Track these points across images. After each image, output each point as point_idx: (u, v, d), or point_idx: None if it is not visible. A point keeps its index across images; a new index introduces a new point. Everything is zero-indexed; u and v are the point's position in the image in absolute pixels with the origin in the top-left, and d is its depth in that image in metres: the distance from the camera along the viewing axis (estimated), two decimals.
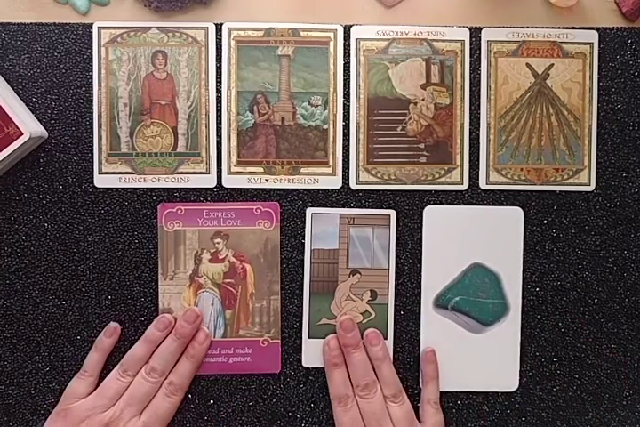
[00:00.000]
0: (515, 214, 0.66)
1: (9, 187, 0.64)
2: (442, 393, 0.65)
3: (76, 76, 0.64)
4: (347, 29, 0.65)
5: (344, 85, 0.65)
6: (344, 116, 0.65)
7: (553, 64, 0.66)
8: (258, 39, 0.65)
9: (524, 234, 0.66)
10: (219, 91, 0.65)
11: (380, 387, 0.63)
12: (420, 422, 0.63)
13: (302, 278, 0.65)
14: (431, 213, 0.65)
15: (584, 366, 0.66)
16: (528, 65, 0.66)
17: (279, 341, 0.65)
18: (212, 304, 0.65)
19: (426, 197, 0.66)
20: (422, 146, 0.66)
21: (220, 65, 0.65)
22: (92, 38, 0.64)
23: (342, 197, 0.65)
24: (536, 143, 0.66)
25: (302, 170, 0.65)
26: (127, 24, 0.64)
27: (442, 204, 0.66)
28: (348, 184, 0.65)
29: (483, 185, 0.66)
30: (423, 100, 0.65)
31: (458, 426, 0.66)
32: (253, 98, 0.65)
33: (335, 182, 0.65)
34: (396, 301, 0.66)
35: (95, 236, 0.65)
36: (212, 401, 0.65)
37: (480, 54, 0.66)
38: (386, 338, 0.65)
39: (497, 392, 0.66)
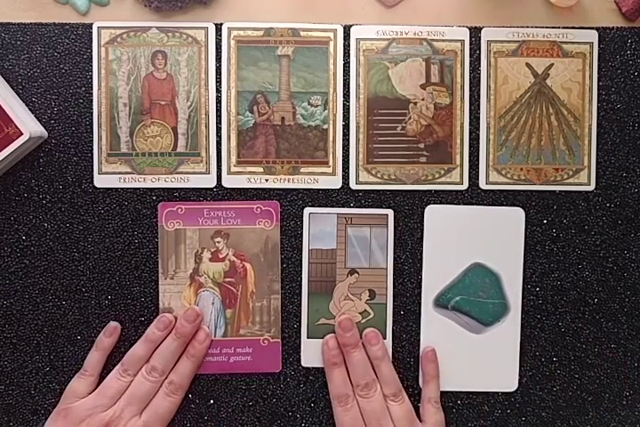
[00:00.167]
0: (515, 214, 0.66)
1: (9, 187, 0.64)
2: (442, 393, 0.65)
3: (76, 76, 0.64)
4: (347, 29, 0.65)
5: (344, 85, 0.65)
6: (344, 116, 0.65)
7: (553, 64, 0.66)
8: (258, 39, 0.65)
9: (524, 234, 0.66)
10: (219, 91, 0.65)
11: (380, 386, 0.63)
12: (420, 421, 0.63)
13: (301, 278, 0.65)
14: (432, 213, 0.65)
15: (584, 366, 0.66)
16: (528, 65, 0.66)
17: (279, 340, 0.65)
18: (213, 303, 0.65)
19: (426, 197, 0.66)
20: (422, 146, 0.66)
21: (220, 65, 0.65)
22: (91, 38, 0.64)
23: (342, 196, 0.65)
24: (536, 143, 0.66)
25: (302, 170, 0.65)
26: (127, 24, 0.64)
27: (442, 204, 0.66)
28: (348, 184, 0.65)
29: (483, 185, 0.66)
30: (423, 99, 0.65)
31: (458, 426, 0.66)
32: (253, 98, 0.65)
33: (335, 182, 0.65)
34: (396, 301, 0.66)
35: (95, 236, 0.65)
36: (212, 401, 0.65)
37: (480, 54, 0.66)
38: (385, 337, 0.65)
39: (497, 392, 0.66)
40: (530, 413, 0.66)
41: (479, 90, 0.66)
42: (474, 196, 0.66)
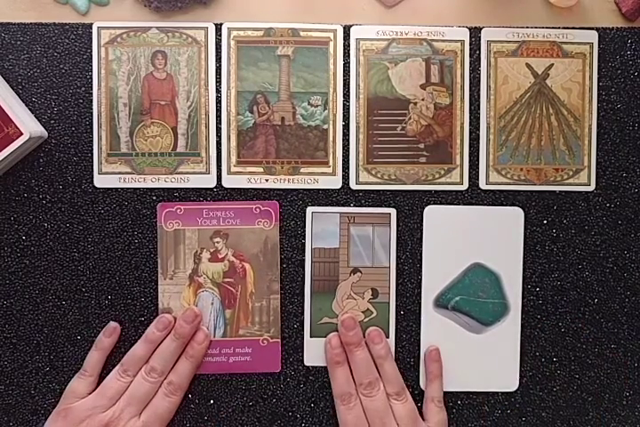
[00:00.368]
0: (515, 214, 0.66)
1: (9, 187, 0.64)
2: (443, 393, 0.65)
3: (76, 76, 0.64)
4: (346, 29, 0.65)
5: (344, 85, 0.65)
6: (344, 116, 0.65)
7: (553, 64, 0.66)
8: (258, 39, 0.65)
9: (524, 234, 0.66)
10: (218, 91, 0.65)
11: (383, 385, 0.63)
12: (423, 420, 0.63)
13: (303, 278, 0.65)
14: (432, 213, 0.65)
15: (584, 366, 0.66)
16: (528, 65, 0.66)
17: (279, 340, 0.65)
18: (212, 304, 0.65)
19: (426, 197, 0.66)
20: (422, 146, 0.66)
21: (220, 65, 0.65)
22: (91, 38, 0.64)
23: (342, 196, 0.65)
24: (536, 143, 0.66)
25: (302, 170, 0.65)
26: (127, 24, 0.64)
27: (442, 204, 0.66)
28: (348, 184, 0.65)
29: (482, 185, 0.66)
30: (423, 100, 0.65)
31: (458, 426, 0.66)
32: (253, 98, 0.65)
33: (335, 182, 0.65)
34: (396, 300, 0.66)
35: (95, 236, 0.65)
36: (212, 401, 0.65)
37: (480, 54, 0.66)
38: (388, 336, 0.65)
39: (497, 392, 0.66)
40: (530, 413, 0.66)
41: (479, 90, 0.66)
42: (474, 196, 0.66)
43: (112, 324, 0.64)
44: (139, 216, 0.65)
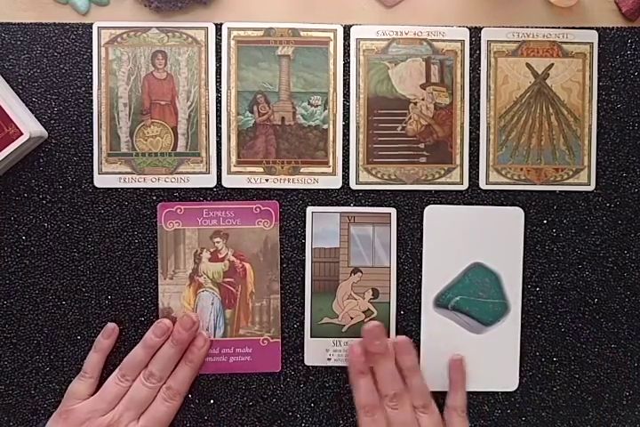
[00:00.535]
0: (515, 214, 0.66)
1: (9, 187, 0.64)
2: (442, 393, 0.65)
3: (76, 76, 0.64)
4: (347, 29, 0.65)
5: (344, 85, 0.65)
6: (344, 116, 0.65)
7: (553, 64, 0.66)
8: (258, 39, 0.65)
9: (524, 234, 0.66)
10: (219, 91, 0.65)
11: (410, 396, 0.61)
12: None
13: (303, 278, 0.65)
14: (432, 213, 0.65)
15: (584, 366, 0.66)
16: (528, 65, 0.66)
17: (279, 340, 0.65)
18: (212, 303, 0.65)
19: (426, 197, 0.66)
20: (422, 146, 0.66)
21: (220, 65, 0.65)
22: (91, 38, 0.64)
23: (342, 196, 0.65)
24: (536, 143, 0.66)
25: (302, 170, 0.65)
26: (127, 24, 0.64)
27: (442, 204, 0.66)
28: (348, 184, 0.65)
29: (483, 185, 0.66)
30: (423, 99, 0.65)
31: None
32: (253, 98, 0.65)
33: (335, 182, 0.65)
34: (397, 300, 0.66)
35: (95, 236, 0.65)
36: (212, 401, 0.65)
37: (480, 54, 0.66)
38: (388, 336, 0.65)
39: (497, 392, 0.66)
40: (530, 413, 0.66)
41: (479, 90, 0.66)
42: (474, 196, 0.66)
43: (110, 325, 0.64)
44: (139, 216, 0.65)
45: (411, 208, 0.66)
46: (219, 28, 0.65)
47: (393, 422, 0.60)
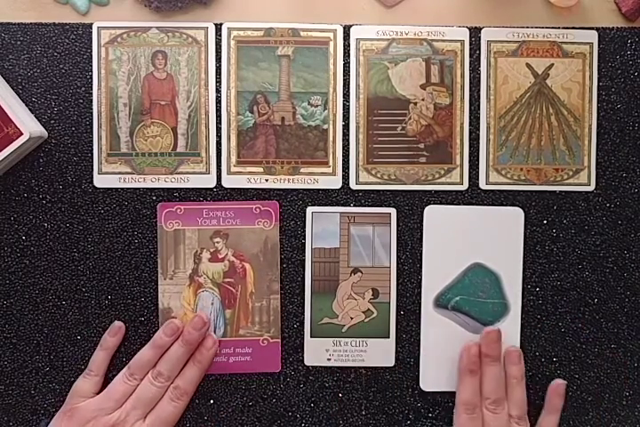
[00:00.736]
0: (515, 214, 0.66)
1: (9, 187, 0.64)
2: (442, 393, 0.65)
3: (76, 76, 0.64)
4: (346, 29, 0.65)
5: (344, 85, 0.65)
6: (344, 116, 0.65)
7: (553, 64, 0.66)
8: (258, 39, 0.65)
9: (524, 234, 0.66)
10: (218, 91, 0.65)
11: (508, 405, 0.62)
12: None
13: (303, 278, 0.65)
14: (432, 213, 0.65)
15: (584, 366, 0.66)
16: (528, 65, 0.66)
17: (279, 340, 0.65)
18: (212, 304, 0.65)
19: (426, 197, 0.66)
20: (422, 146, 0.66)
21: (220, 65, 0.65)
22: (91, 38, 0.64)
23: (342, 196, 0.65)
24: (536, 143, 0.66)
25: (302, 170, 0.65)
26: (127, 24, 0.64)
27: (442, 204, 0.66)
28: (348, 184, 0.65)
29: (482, 185, 0.66)
30: (423, 100, 0.65)
31: None
32: (253, 98, 0.65)
33: (335, 182, 0.65)
34: (397, 300, 0.66)
35: (95, 236, 0.65)
36: (212, 401, 0.65)
37: (480, 54, 0.66)
38: (389, 336, 0.65)
39: None
40: (530, 413, 0.66)
41: (479, 90, 0.66)
42: (474, 196, 0.66)
43: (117, 323, 0.64)
44: (139, 216, 0.65)
45: (411, 208, 0.66)
46: (219, 28, 0.65)
47: (489, 424, 0.61)
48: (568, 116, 0.66)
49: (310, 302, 0.65)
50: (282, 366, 0.65)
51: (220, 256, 0.65)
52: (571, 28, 0.66)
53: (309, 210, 0.65)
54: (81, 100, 0.65)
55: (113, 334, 0.64)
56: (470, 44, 0.65)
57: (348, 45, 0.65)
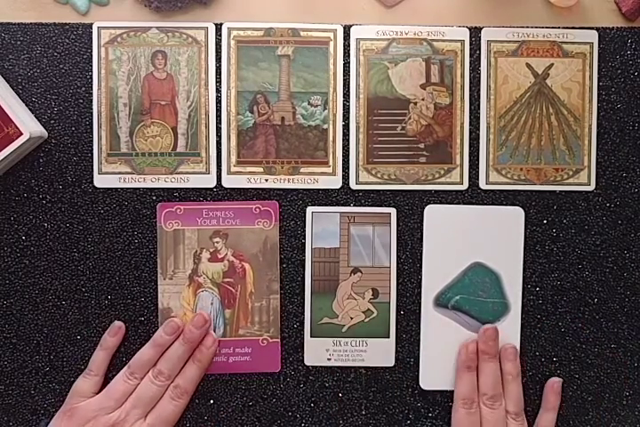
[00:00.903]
0: (515, 214, 0.66)
1: (9, 187, 0.64)
2: (442, 392, 0.65)
3: (76, 76, 0.64)
4: (347, 29, 0.65)
5: (344, 85, 0.65)
6: (344, 115, 0.65)
7: (553, 64, 0.66)
8: (258, 39, 0.65)
9: (524, 234, 0.66)
10: (219, 91, 0.65)
11: (505, 401, 0.63)
12: None
13: (303, 278, 0.65)
14: (432, 213, 0.65)
15: (584, 366, 0.66)
16: (528, 65, 0.66)
17: (279, 340, 0.65)
18: (212, 304, 0.65)
19: (426, 197, 0.66)
20: (422, 146, 0.66)
21: (220, 65, 0.65)
22: (91, 38, 0.64)
23: (342, 196, 0.65)
24: (536, 143, 0.66)
25: (302, 170, 0.65)
26: (127, 24, 0.64)
27: (442, 204, 0.66)
28: (348, 184, 0.65)
29: (482, 185, 0.66)
30: (423, 99, 0.65)
31: None
32: (253, 98, 0.65)
33: (335, 182, 0.65)
34: (397, 300, 0.66)
35: (95, 236, 0.65)
36: (212, 401, 0.65)
37: (480, 54, 0.66)
38: (389, 336, 0.65)
39: None
40: (530, 413, 0.66)
41: (479, 90, 0.66)
42: (474, 196, 0.66)
43: (117, 323, 0.64)
44: (139, 216, 0.65)
45: (411, 208, 0.66)
46: (219, 28, 0.65)
47: (487, 419, 0.62)
48: (568, 115, 0.66)
49: (310, 301, 0.65)
50: (282, 366, 0.65)
51: (220, 256, 0.65)
52: (571, 28, 0.66)
53: (309, 210, 0.65)
54: (81, 100, 0.65)
55: (113, 334, 0.64)
56: (470, 43, 0.65)
57: (348, 45, 0.65)
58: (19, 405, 0.65)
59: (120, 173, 0.65)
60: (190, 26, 0.65)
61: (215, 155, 0.65)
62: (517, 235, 0.66)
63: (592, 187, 0.66)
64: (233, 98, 0.65)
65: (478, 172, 0.66)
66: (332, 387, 0.66)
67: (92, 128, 0.65)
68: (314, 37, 0.65)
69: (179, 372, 0.62)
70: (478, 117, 0.66)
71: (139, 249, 0.65)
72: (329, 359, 0.65)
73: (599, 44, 0.66)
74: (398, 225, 0.66)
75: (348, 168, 0.65)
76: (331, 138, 0.65)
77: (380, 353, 0.66)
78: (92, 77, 0.64)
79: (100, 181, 0.65)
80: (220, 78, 0.65)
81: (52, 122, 0.64)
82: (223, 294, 0.65)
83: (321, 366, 0.65)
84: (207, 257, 0.65)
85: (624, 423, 0.66)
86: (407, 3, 0.66)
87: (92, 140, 0.65)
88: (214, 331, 0.65)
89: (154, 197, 0.65)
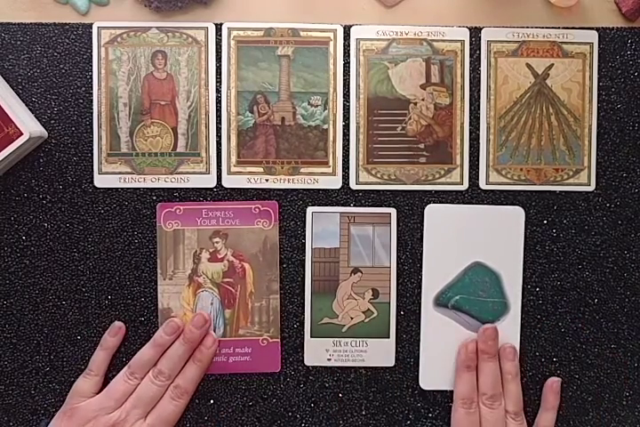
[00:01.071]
0: (515, 214, 0.66)
1: (9, 187, 0.64)
2: (442, 392, 0.65)
3: (76, 76, 0.64)
4: (347, 29, 0.65)
5: (344, 85, 0.65)
6: (344, 116, 0.65)
7: (553, 64, 0.66)
8: (258, 39, 0.65)
9: (525, 234, 0.66)
10: (219, 91, 0.65)
11: (504, 401, 0.63)
12: None
13: (303, 278, 0.65)
14: (432, 212, 0.65)
15: (584, 366, 0.66)
16: (528, 65, 0.66)
17: (279, 340, 0.65)
18: (212, 304, 0.65)
19: (426, 198, 0.66)
20: (422, 146, 0.66)
21: (220, 65, 0.65)
22: (91, 38, 0.64)
23: (342, 196, 0.65)
24: (536, 143, 0.66)
25: (302, 170, 0.65)
26: (127, 24, 0.64)
27: (442, 204, 0.66)
28: (348, 184, 0.65)
29: (483, 185, 0.66)
30: (423, 100, 0.65)
31: None
32: (253, 98, 0.65)
33: (335, 182, 0.65)
34: (397, 300, 0.66)
35: (95, 236, 0.65)
36: (212, 401, 0.65)
37: (480, 54, 0.66)
38: (389, 337, 0.65)
39: None
40: (530, 413, 0.66)
41: (479, 90, 0.66)
42: (474, 196, 0.66)
43: (117, 323, 0.64)
44: (139, 216, 0.65)
45: (411, 208, 0.66)
46: (219, 28, 0.65)
47: (486, 419, 0.62)
48: (568, 116, 0.66)
49: (310, 302, 0.65)
50: (282, 366, 0.65)
51: (220, 256, 0.65)
52: (571, 28, 0.66)
53: (309, 210, 0.65)
54: (81, 100, 0.65)
55: (113, 334, 0.64)
56: (470, 44, 0.66)
57: (348, 45, 0.65)
58: (19, 405, 0.65)
59: (120, 173, 0.65)
60: (190, 26, 0.65)
61: (215, 155, 0.65)
62: (517, 235, 0.66)
63: (592, 187, 0.66)
64: (233, 98, 0.65)
65: (478, 172, 0.66)
66: (332, 387, 0.66)
67: (92, 128, 0.65)
68: (314, 37, 0.65)
69: (179, 372, 0.62)
70: (478, 118, 0.66)
71: (139, 249, 0.65)
72: (329, 359, 0.65)
73: (599, 45, 0.66)
74: (398, 225, 0.66)
75: (348, 168, 0.65)
76: (331, 138, 0.65)
77: (380, 353, 0.66)
78: (92, 77, 0.64)
79: (100, 181, 0.65)
80: (220, 78, 0.65)
81: (52, 122, 0.64)
82: (223, 294, 0.65)
83: (321, 367, 0.65)
84: (207, 257, 0.65)
85: (624, 423, 0.66)
86: (407, 3, 0.66)
87: (92, 140, 0.65)
88: (214, 331, 0.65)
89: (154, 197, 0.65)
